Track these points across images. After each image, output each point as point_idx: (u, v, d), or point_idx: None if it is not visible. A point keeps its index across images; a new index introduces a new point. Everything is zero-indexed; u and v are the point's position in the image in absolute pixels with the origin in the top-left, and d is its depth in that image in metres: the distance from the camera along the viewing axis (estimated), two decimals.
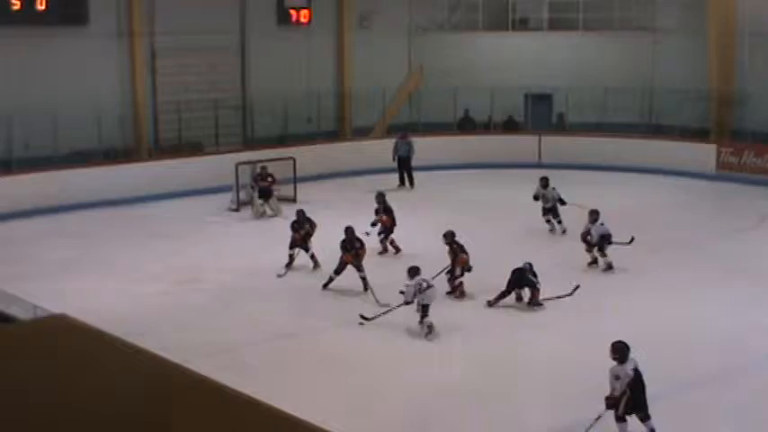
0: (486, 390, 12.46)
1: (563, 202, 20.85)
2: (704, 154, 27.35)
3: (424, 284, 14.50)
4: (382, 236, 19.27)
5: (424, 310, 14.41)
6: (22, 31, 24.15)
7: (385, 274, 16.86)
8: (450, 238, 16.70)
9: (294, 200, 23.96)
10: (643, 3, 31.01)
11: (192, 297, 16.60)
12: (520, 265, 16.01)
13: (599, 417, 10.69)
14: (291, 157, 24.52)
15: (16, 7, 24.05)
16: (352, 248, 16.52)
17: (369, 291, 16.18)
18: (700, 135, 28.63)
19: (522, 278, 15.87)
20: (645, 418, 10.77)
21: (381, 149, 26.81)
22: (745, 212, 22.83)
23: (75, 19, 25.29)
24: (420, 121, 30.59)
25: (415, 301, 14.45)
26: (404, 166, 26.39)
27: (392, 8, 31.55)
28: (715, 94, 28.56)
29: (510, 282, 15.86)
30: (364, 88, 29.86)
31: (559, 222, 20.74)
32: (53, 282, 16.88)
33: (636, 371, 10.69)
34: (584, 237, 18.17)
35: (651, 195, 24.93)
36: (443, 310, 15.54)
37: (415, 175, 26.20)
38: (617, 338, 14.28)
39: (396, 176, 26.22)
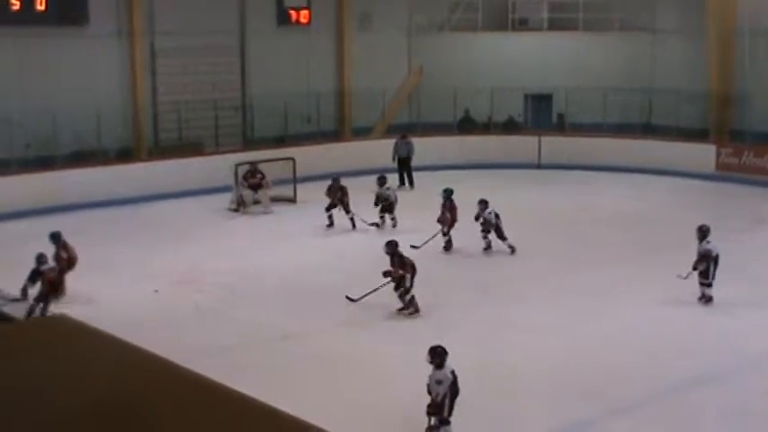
0: (481, 391, 12.45)
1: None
2: (704, 154, 27.35)
3: None
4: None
5: None
6: (21, 32, 24.17)
7: None
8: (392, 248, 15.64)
9: (294, 200, 24.01)
10: (643, 3, 31.03)
11: (191, 297, 16.60)
12: None
13: (429, 427, 10.68)
14: (291, 158, 24.52)
15: (16, 8, 24.05)
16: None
17: None
18: (699, 135, 28.62)
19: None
20: None
21: (381, 150, 26.81)
22: (744, 213, 22.80)
23: (75, 19, 25.29)
24: (420, 122, 30.61)
25: None
26: (404, 167, 26.41)
27: (392, 8, 31.56)
28: (714, 94, 28.57)
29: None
30: (364, 88, 29.87)
31: (393, 218, 21.08)
32: None
33: (453, 373, 10.75)
34: (478, 220, 19.04)
35: (650, 196, 24.93)
36: (438, 312, 15.56)
37: (415, 175, 26.21)
38: (613, 339, 14.37)
39: (396, 177, 26.23)
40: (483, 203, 18.97)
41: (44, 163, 24.23)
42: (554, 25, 31.75)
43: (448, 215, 19.21)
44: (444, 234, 19.20)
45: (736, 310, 15.71)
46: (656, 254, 19.01)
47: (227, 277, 17.71)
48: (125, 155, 26.56)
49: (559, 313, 15.54)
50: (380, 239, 19.97)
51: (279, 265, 18.54)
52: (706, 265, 15.56)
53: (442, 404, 10.68)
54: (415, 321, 15.10)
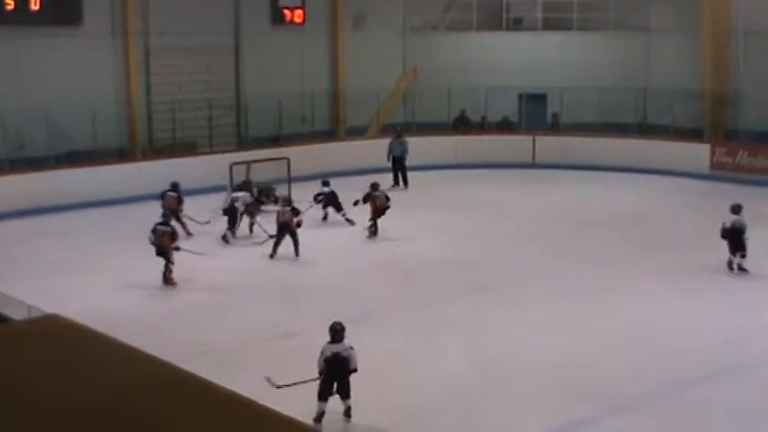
0: (479, 389, 12.46)
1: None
2: (698, 154, 27.39)
3: None
4: None
5: None
6: (16, 32, 24.13)
7: None
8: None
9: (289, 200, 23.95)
10: (637, 3, 31.06)
11: (186, 297, 16.58)
12: None
13: (305, 381, 11.08)
14: (286, 158, 24.48)
15: (10, 7, 24.00)
16: None
17: None
18: (694, 135, 28.67)
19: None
20: (343, 396, 11.26)
21: (376, 149, 26.81)
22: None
23: (70, 19, 25.26)
24: (414, 121, 30.60)
25: None
26: (398, 166, 26.39)
27: (386, 8, 31.56)
28: (709, 93, 28.60)
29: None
30: (358, 88, 29.86)
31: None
32: (47, 282, 16.84)
33: (336, 356, 11.04)
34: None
35: (645, 195, 24.94)
36: (435, 310, 15.56)
37: (410, 174, 26.20)
38: (611, 337, 14.38)
39: (390, 176, 26.23)
40: (324, 183, 21.63)
41: (38, 163, 24.18)
42: (548, 25, 31.77)
43: (376, 205, 20.42)
44: (370, 220, 20.43)
45: (734, 308, 15.76)
46: (651, 253, 19.02)
47: (222, 276, 17.69)
48: (119, 155, 26.52)
49: (556, 311, 15.54)
50: (372, 239, 20.11)
51: (273, 263, 18.51)
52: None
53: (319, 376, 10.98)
54: (413, 319, 15.11)
